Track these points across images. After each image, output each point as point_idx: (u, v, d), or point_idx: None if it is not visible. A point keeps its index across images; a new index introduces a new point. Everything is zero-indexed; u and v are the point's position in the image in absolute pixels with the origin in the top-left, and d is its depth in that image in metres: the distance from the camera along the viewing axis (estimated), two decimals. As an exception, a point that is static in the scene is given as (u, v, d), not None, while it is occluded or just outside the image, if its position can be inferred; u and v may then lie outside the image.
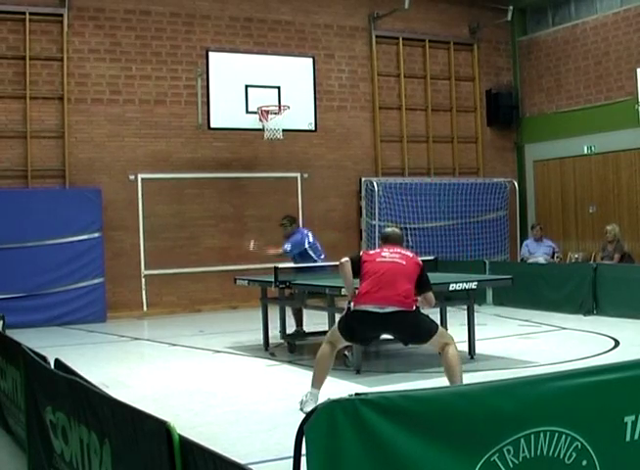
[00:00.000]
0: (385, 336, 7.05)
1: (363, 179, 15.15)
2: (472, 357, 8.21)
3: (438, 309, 8.61)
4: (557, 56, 15.95)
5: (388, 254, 6.31)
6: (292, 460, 2.49)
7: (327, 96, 14.81)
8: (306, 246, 9.63)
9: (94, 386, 3.41)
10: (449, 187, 15.64)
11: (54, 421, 3.86)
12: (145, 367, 8.64)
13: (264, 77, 13.03)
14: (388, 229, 6.95)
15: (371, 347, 9.28)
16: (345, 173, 15.14)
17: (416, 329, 6.20)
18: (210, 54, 12.94)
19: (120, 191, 13.35)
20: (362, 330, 6.25)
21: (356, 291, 6.26)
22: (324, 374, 6.15)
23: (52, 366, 4.14)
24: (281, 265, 9.10)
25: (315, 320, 9.53)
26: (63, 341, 10.41)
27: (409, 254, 6.46)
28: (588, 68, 15.26)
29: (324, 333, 8.45)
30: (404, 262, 6.24)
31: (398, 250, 6.39)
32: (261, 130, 13.01)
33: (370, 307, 6.06)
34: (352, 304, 6.20)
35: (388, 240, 6.58)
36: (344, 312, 6.36)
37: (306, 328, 9.94)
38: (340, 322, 6.35)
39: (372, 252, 6.60)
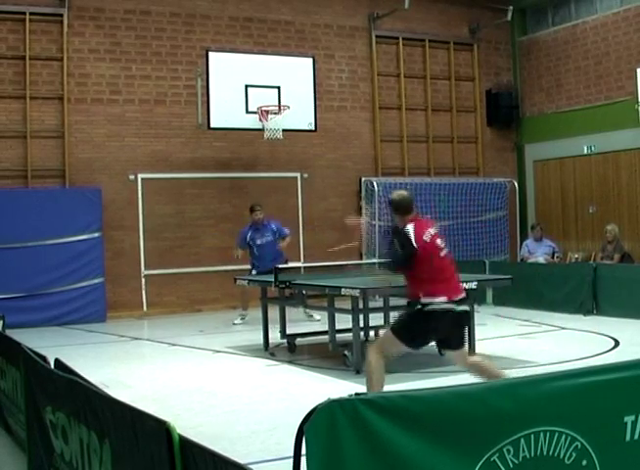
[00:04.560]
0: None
1: (363, 179, 15.15)
2: (472, 357, 8.20)
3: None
4: (557, 56, 15.95)
5: None
6: (292, 460, 2.49)
7: (327, 96, 14.81)
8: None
9: (94, 386, 3.41)
10: (449, 187, 15.64)
11: (54, 421, 3.85)
12: (145, 367, 8.64)
13: (264, 77, 13.03)
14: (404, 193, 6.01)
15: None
16: (345, 173, 15.14)
17: None
18: (210, 54, 12.95)
19: (120, 191, 13.35)
20: None
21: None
22: None
23: (52, 366, 4.14)
24: (281, 265, 9.12)
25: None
26: (63, 341, 10.40)
27: None
28: (588, 68, 15.25)
29: (324, 333, 8.47)
30: None
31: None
32: (261, 130, 13.01)
33: None
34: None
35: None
36: None
37: (307, 328, 9.95)
38: None
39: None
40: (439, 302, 5.53)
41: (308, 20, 14.89)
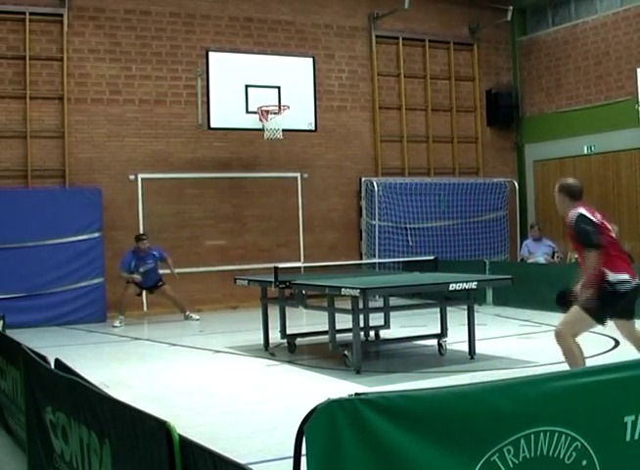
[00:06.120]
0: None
1: (363, 179, 15.16)
2: (472, 357, 8.21)
3: (438, 309, 8.62)
4: (557, 56, 15.95)
5: None
6: (292, 460, 2.48)
7: (327, 96, 14.81)
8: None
9: (94, 386, 3.41)
10: (449, 187, 15.64)
11: (54, 421, 3.85)
12: (145, 367, 8.64)
13: (264, 77, 13.04)
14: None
15: (371, 347, 9.29)
16: (345, 173, 15.14)
17: None
18: (210, 54, 12.95)
19: (120, 191, 13.35)
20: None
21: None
22: None
23: (52, 366, 4.14)
24: (281, 265, 9.11)
25: (315, 320, 9.52)
26: (63, 341, 10.41)
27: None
28: (588, 68, 15.26)
29: (324, 333, 8.47)
30: None
31: None
32: (261, 130, 13.02)
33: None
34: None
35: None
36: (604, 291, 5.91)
37: (306, 328, 9.94)
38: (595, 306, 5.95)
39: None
40: (625, 280, 5.93)
41: (308, 20, 14.89)
